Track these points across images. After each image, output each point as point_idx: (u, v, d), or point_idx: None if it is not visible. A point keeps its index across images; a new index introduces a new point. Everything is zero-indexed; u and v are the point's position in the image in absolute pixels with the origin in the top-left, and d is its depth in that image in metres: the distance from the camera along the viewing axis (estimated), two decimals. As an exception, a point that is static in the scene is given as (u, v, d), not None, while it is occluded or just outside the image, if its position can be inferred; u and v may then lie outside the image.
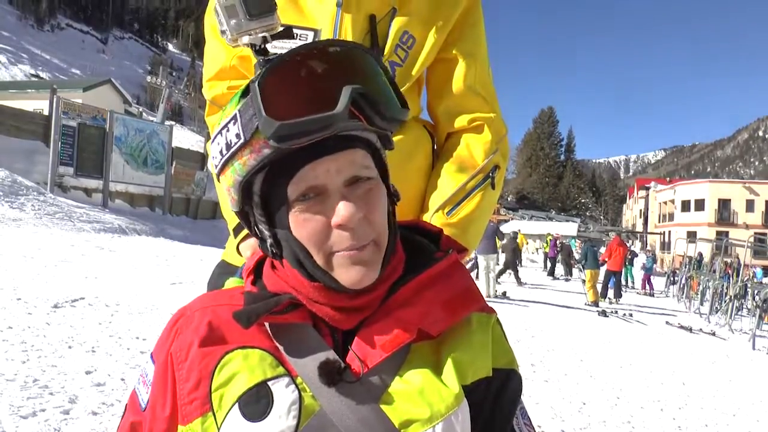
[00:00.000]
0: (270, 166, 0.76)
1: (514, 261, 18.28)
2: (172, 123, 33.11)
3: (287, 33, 0.92)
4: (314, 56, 0.75)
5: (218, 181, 0.84)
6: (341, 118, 0.71)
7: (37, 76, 62.11)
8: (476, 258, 14.82)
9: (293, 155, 0.74)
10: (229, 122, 0.77)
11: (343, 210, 0.74)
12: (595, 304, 14.14)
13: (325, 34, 1.25)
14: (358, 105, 0.74)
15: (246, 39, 0.89)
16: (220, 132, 0.79)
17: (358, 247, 0.76)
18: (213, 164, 0.83)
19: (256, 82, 0.73)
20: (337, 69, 0.75)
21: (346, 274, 0.77)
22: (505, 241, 17.61)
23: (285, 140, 0.71)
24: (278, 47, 1.10)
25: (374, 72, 0.79)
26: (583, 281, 15.82)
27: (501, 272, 17.58)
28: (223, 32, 0.89)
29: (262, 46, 0.88)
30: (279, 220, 0.79)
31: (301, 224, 0.76)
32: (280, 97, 0.73)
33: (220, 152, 0.79)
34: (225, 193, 1.31)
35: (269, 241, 0.82)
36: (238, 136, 0.75)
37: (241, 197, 0.81)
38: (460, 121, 1.37)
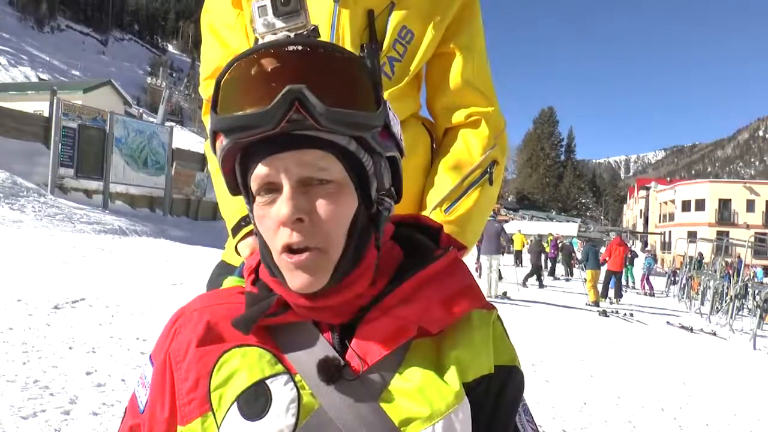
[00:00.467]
0: (240, 158, 0.79)
1: (539, 264, 18.13)
2: (173, 124, 33.05)
3: (315, 33, 0.93)
4: (269, 54, 0.75)
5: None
6: (272, 117, 0.71)
7: (37, 78, 62.16)
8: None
9: (253, 149, 0.77)
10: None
11: (282, 209, 0.74)
12: (596, 304, 14.14)
13: (323, 30, 1.25)
14: (303, 105, 0.72)
15: (270, 38, 0.90)
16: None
17: (296, 250, 0.75)
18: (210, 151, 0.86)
19: (219, 77, 0.76)
20: (288, 68, 0.74)
21: (290, 278, 0.77)
22: (517, 244, 17.47)
23: (228, 135, 0.74)
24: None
25: (338, 72, 0.76)
26: (585, 281, 15.82)
27: (528, 276, 17.51)
28: (254, 30, 0.92)
29: None
30: (251, 214, 0.82)
31: (260, 219, 0.78)
32: (228, 92, 0.75)
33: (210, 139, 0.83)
34: (226, 192, 1.31)
35: (256, 230, 0.83)
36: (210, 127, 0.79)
37: (229, 184, 0.84)
38: (458, 116, 1.37)
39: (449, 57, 1.36)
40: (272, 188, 0.76)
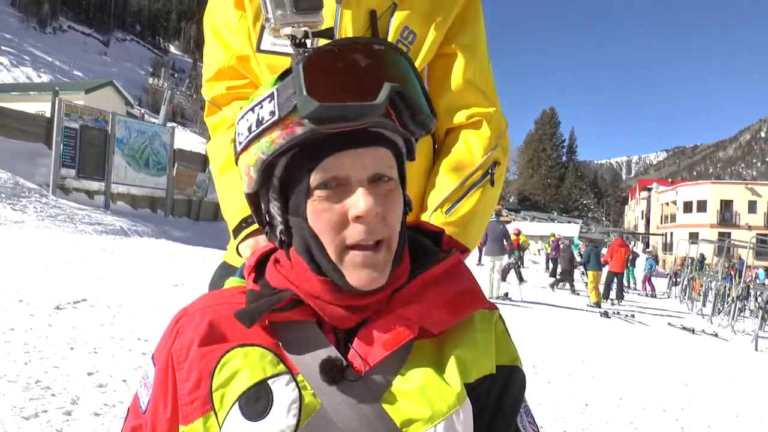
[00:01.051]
0: (296, 150, 0.77)
1: (571, 270, 17.82)
2: (174, 125, 33.09)
3: (328, 34, 0.93)
4: (357, 50, 0.75)
5: (236, 163, 0.84)
6: (379, 110, 0.72)
7: (39, 78, 62.18)
8: (516, 260, 14.78)
9: (321, 142, 0.75)
10: (264, 99, 0.78)
11: (363, 202, 0.74)
12: (598, 305, 14.12)
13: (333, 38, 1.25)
14: (394, 104, 0.74)
15: (288, 30, 0.90)
16: (251, 109, 0.79)
17: (371, 245, 0.76)
18: (236, 141, 0.83)
19: (300, 63, 0.74)
20: (378, 65, 0.75)
21: (357, 275, 0.77)
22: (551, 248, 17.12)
23: (322, 122, 0.72)
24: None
25: (411, 76, 0.79)
26: (586, 283, 15.79)
27: (558, 281, 17.31)
28: (267, 20, 0.90)
29: (303, 40, 0.89)
30: (295, 207, 0.79)
31: (318, 213, 0.76)
32: (321, 81, 0.73)
33: (249, 129, 0.79)
34: (228, 192, 1.30)
35: (280, 227, 0.82)
36: (272, 113, 0.76)
37: (260, 178, 0.80)
38: (459, 117, 1.36)
39: (451, 57, 1.36)
40: (339, 182, 0.76)
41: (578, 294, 16.92)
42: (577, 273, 21.07)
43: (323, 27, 1.25)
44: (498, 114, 1.38)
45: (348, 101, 0.71)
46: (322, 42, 1.01)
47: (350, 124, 0.73)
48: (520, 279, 15.63)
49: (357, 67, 0.74)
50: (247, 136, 0.79)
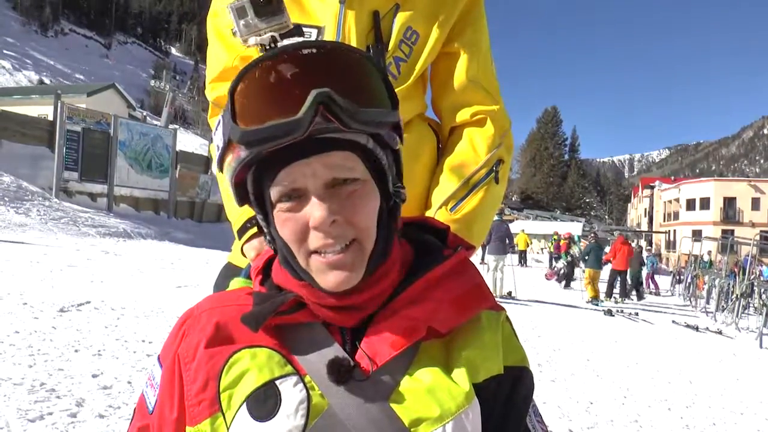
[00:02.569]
0: (256, 166, 0.78)
1: (638, 276, 17.38)
2: (176, 127, 33.11)
3: (298, 32, 0.92)
4: (285, 60, 0.73)
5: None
6: (303, 124, 0.70)
7: (41, 81, 62.33)
8: (569, 262, 14.66)
9: (273, 157, 0.75)
10: (218, 125, 0.80)
11: (315, 213, 0.74)
12: (595, 300, 14.13)
13: (329, 31, 1.25)
14: (329, 108, 0.71)
15: (254, 40, 0.89)
16: (214, 133, 0.83)
17: (335, 250, 0.75)
18: (216, 163, 0.85)
19: (230, 89, 0.75)
20: (308, 72, 0.73)
21: (324, 278, 0.77)
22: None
23: (252, 146, 0.73)
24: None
25: (355, 72, 0.76)
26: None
27: (631, 289, 16.76)
28: (234, 33, 0.90)
29: (272, 45, 0.88)
30: (270, 219, 0.81)
31: (282, 224, 0.77)
32: (248, 102, 0.74)
33: (217, 153, 0.82)
34: (228, 195, 1.31)
35: (267, 237, 0.84)
36: (221, 140, 0.79)
37: (238, 196, 0.83)
38: (463, 115, 1.37)
39: (454, 56, 1.37)
40: (296, 194, 0.76)
41: (571, 288, 16.94)
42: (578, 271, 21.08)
43: (329, 26, 1.26)
44: (501, 112, 1.38)
45: (277, 117, 0.71)
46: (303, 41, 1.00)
47: (281, 141, 0.72)
48: (567, 283, 15.58)
49: (283, 80, 0.73)
50: (218, 160, 0.82)
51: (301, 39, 0.89)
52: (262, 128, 0.72)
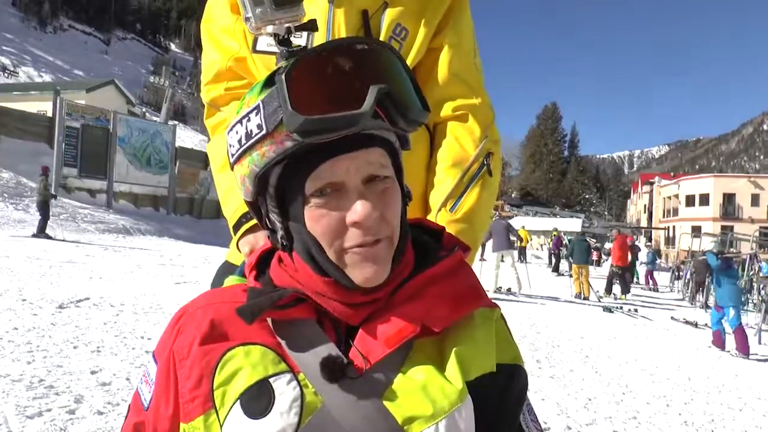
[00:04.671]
0: (288, 160, 0.77)
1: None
2: (176, 123, 33.08)
3: (312, 26, 0.92)
4: (341, 53, 0.74)
5: (231, 170, 0.84)
6: (367, 117, 0.72)
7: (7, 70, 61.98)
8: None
9: (313, 150, 0.75)
10: (250, 112, 0.77)
11: (360, 208, 0.74)
12: (578, 296, 14.17)
13: (318, 31, 1.25)
14: (382, 104, 0.73)
15: (270, 28, 0.89)
16: (240, 121, 0.79)
17: (370, 243, 0.76)
18: (229, 153, 0.82)
19: (282, 74, 0.73)
20: (363, 67, 0.74)
21: (359, 272, 0.77)
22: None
23: (309, 135, 0.72)
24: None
25: (399, 72, 0.79)
26: (570, 275, 15.81)
27: (627, 287, 16.55)
28: (247, 19, 0.90)
29: (286, 36, 0.88)
30: (293, 213, 0.79)
31: (316, 219, 0.76)
32: (305, 91, 0.73)
33: (239, 141, 0.79)
34: (227, 191, 1.31)
35: (280, 233, 0.82)
36: (259, 127, 0.75)
37: (255, 188, 0.81)
38: (445, 110, 1.38)
39: (438, 52, 1.38)
40: (333, 188, 0.76)
41: (563, 275, 16.92)
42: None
43: (319, 25, 1.26)
44: (484, 105, 1.39)
45: (334, 109, 0.71)
46: (317, 39, 1.00)
47: (339, 133, 0.72)
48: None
49: (341, 72, 0.74)
50: (238, 149, 0.79)
51: (315, 32, 0.91)
52: (326, 117, 0.71)
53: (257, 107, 0.76)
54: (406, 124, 0.77)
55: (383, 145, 0.79)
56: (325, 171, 0.75)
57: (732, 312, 9.05)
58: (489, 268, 13.29)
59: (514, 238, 13.98)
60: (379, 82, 0.73)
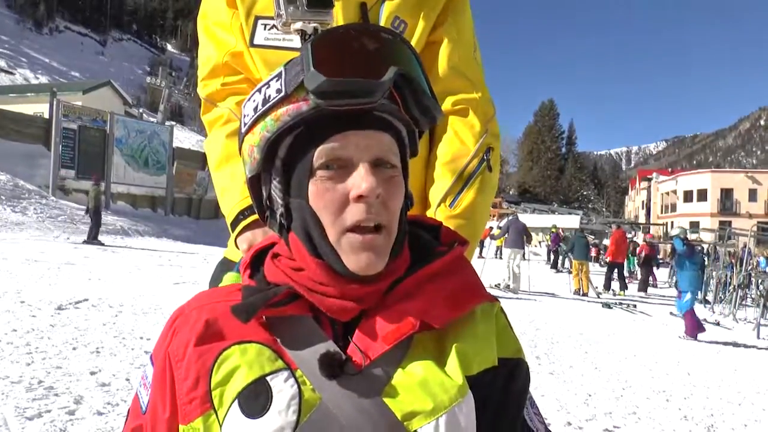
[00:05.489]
0: (299, 130, 0.77)
1: (629, 267, 17.12)
2: (173, 123, 33.07)
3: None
4: (368, 35, 0.77)
5: (239, 149, 0.85)
6: (384, 88, 0.73)
7: (5, 71, 61.82)
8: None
9: (326, 122, 0.76)
10: (272, 79, 0.79)
11: (365, 181, 0.74)
12: (578, 292, 14.19)
13: None
14: (399, 88, 0.76)
15: (299, 25, 0.92)
16: (259, 89, 0.81)
17: (370, 228, 0.76)
18: (242, 123, 0.84)
19: (309, 42, 0.76)
20: (387, 51, 0.77)
21: (355, 258, 0.76)
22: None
23: (327, 97, 0.73)
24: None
25: (416, 66, 0.80)
26: (569, 272, 15.85)
27: (625, 282, 16.48)
28: (278, 15, 0.91)
29: (311, 36, 0.90)
30: (296, 188, 0.79)
31: (320, 193, 0.76)
32: (329, 56, 0.74)
33: (254, 109, 0.80)
34: (225, 187, 1.30)
35: (280, 210, 0.82)
36: (278, 90, 0.77)
37: (263, 158, 0.81)
38: (445, 104, 1.37)
39: (437, 46, 1.38)
40: (341, 164, 0.76)
41: (561, 271, 16.96)
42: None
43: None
44: (484, 100, 1.39)
45: (357, 77, 0.73)
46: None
47: (356, 101, 0.73)
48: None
49: (365, 50, 0.75)
50: (252, 117, 0.80)
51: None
52: (344, 80, 0.72)
53: (279, 74, 0.78)
54: (420, 113, 0.79)
55: (394, 135, 0.80)
56: (336, 144, 0.75)
57: (688, 296, 9.42)
58: (501, 265, 13.51)
59: (525, 238, 14.11)
60: (401, 67, 0.75)
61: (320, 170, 0.76)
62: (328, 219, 0.76)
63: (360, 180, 0.74)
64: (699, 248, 11.43)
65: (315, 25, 0.90)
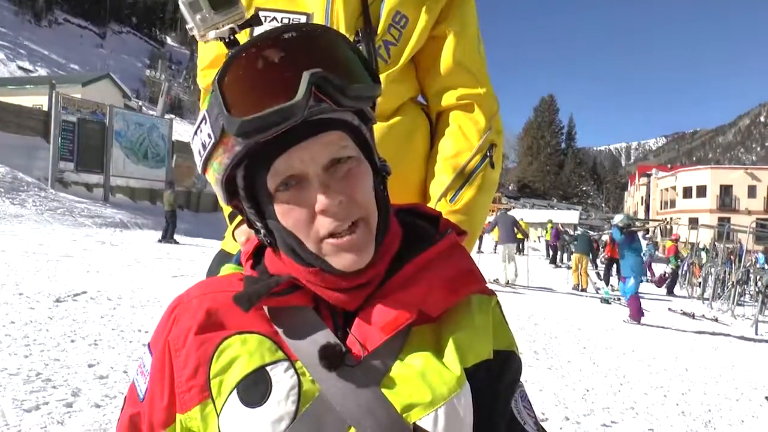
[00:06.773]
0: (248, 160, 0.76)
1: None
2: (172, 116, 33.03)
3: (256, 21, 0.90)
4: (269, 45, 0.72)
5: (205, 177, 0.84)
6: (302, 107, 0.70)
7: (24, 69, 61.75)
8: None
9: (267, 147, 0.74)
10: (201, 122, 0.78)
11: (321, 197, 0.73)
12: (577, 287, 14.22)
13: (317, 18, 1.25)
14: (321, 88, 0.71)
15: (213, 34, 0.87)
16: (195, 132, 0.80)
17: (344, 230, 0.75)
18: (197, 163, 0.82)
19: (215, 80, 0.73)
20: (294, 55, 0.72)
21: (338, 259, 0.76)
22: None
23: (250, 136, 0.71)
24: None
25: (336, 51, 0.76)
26: (569, 267, 15.88)
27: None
28: (190, 29, 0.88)
29: (231, 38, 0.87)
30: (267, 211, 0.79)
31: (286, 213, 0.76)
32: (238, 92, 0.72)
33: (199, 152, 0.80)
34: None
35: (262, 232, 0.82)
36: (209, 135, 0.76)
37: (226, 193, 0.81)
38: (448, 99, 1.36)
39: (441, 40, 1.36)
40: (295, 180, 0.75)
41: (560, 266, 17.00)
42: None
43: (318, 11, 1.25)
44: (488, 95, 1.38)
45: (271, 104, 0.69)
46: (259, 30, 0.98)
47: (280, 128, 0.71)
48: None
49: (272, 66, 0.71)
50: (200, 160, 0.80)
51: (262, 27, 0.89)
52: (260, 116, 0.69)
53: (204, 117, 0.77)
54: (352, 101, 0.74)
55: (340, 127, 0.76)
56: (281, 165, 0.74)
57: (632, 281, 9.75)
58: (497, 260, 13.50)
59: (518, 231, 14.10)
60: (313, 67, 0.71)
61: (278, 192, 0.76)
62: (301, 234, 0.76)
63: (317, 195, 0.74)
64: (638, 234, 11.68)
65: (230, 26, 0.86)
